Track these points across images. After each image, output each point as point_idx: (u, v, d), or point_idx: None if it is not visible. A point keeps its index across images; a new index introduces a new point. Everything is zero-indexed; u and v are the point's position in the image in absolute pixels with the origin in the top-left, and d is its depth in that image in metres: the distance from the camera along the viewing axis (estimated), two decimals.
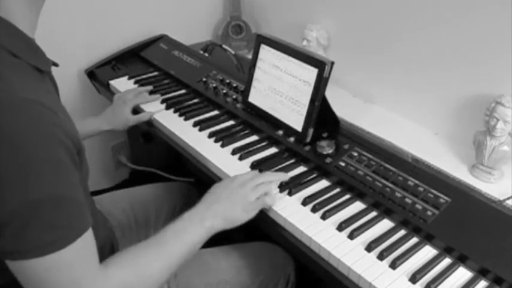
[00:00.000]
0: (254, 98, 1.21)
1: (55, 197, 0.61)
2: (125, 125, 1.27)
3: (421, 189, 0.93)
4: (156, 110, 1.28)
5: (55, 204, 0.61)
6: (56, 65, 0.79)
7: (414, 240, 0.87)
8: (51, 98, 0.67)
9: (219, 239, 0.89)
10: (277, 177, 0.98)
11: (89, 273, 0.67)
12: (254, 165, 1.05)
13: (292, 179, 1.01)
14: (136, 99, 1.31)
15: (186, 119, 1.24)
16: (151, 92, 1.37)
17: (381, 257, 0.82)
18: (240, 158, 1.07)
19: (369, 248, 0.84)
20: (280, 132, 1.14)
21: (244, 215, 0.88)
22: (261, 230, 0.97)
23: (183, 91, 1.40)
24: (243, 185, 0.90)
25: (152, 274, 0.75)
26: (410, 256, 0.83)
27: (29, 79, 0.66)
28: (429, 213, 0.88)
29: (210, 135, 1.17)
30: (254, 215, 0.89)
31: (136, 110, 1.30)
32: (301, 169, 1.06)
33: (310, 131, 1.08)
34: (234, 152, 1.09)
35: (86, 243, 0.66)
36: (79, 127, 1.16)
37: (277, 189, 0.98)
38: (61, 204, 0.62)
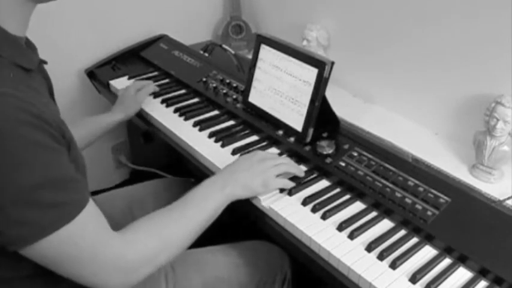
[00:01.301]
0: (254, 98, 1.21)
1: (48, 178, 0.63)
2: (137, 104, 1.29)
3: (421, 189, 0.93)
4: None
5: (50, 185, 0.63)
6: (44, 62, 0.80)
7: (414, 240, 0.87)
8: (31, 93, 0.68)
9: (216, 237, 0.89)
10: (295, 168, 0.99)
11: (103, 240, 0.70)
12: None
13: (292, 179, 1.00)
14: (136, 84, 1.34)
15: (186, 119, 1.24)
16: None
17: (381, 257, 0.82)
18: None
19: (369, 248, 0.84)
20: (280, 132, 1.14)
21: (263, 188, 0.91)
22: (258, 228, 0.97)
23: (183, 91, 1.40)
24: (264, 160, 0.93)
25: (173, 239, 0.77)
26: (411, 256, 0.83)
27: (6, 75, 0.66)
28: (429, 213, 0.88)
29: (210, 135, 1.17)
30: (273, 190, 0.93)
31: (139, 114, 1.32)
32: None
33: (310, 131, 1.08)
34: (234, 152, 1.09)
35: (91, 214, 0.69)
36: (94, 125, 1.21)
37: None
38: (55, 184, 0.64)
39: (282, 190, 0.97)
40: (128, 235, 0.73)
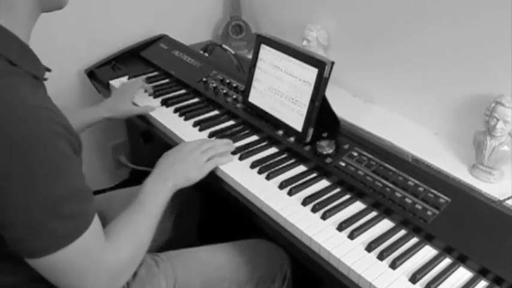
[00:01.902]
0: (254, 98, 1.21)
1: (73, 189, 0.67)
2: (128, 114, 1.27)
3: (421, 189, 0.93)
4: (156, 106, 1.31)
5: (72, 196, 0.66)
6: (48, 70, 0.81)
7: (414, 240, 0.87)
8: (49, 101, 0.71)
9: (216, 236, 0.90)
10: (222, 147, 1.06)
11: (102, 251, 0.73)
12: (254, 165, 1.05)
13: (292, 178, 1.01)
14: (135, 85, 1.32)
15: (186, 119, 1.24)
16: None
17: (381, 257, 0.82)
18: (240, 158, 1.07)
19: (369, 248, 0.84)
20: (280, 132, 1.14)
21: (199, 174, 1.00)
22: (258, 227, 0.97)
23: (183, 91, 1.40)
24: (192, 151, 1.02)
25: (146, 239, 0.85)
26: (411, 256, 0.83)
27: (29, 86, 0.68)
28: (429, 213, 0.88)
29: (210, 135, 1.17)
30: (208, 172, 1.01)
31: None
32: (301, 169, 1.06)
33: (310, 131, 1.08)
34: (234, 152, 1.09)
35: (96, 224, 0.72)
36: (79, 117, 1.19)
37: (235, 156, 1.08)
38: (76, 195, 0.67)
39: (282, 188, 0.97)
40: (114, 243, 0.77)
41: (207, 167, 1.01)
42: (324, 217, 0.91)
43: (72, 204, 0.66)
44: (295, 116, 1.11)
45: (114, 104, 1.27)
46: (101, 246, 0.73)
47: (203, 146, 1.04)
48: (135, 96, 1.31)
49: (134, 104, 1.30)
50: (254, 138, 1.17)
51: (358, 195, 0.97)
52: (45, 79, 0.78)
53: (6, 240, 0.65)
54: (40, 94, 0.71)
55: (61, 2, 0.80)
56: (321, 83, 1.05)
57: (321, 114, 1.08)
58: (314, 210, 0.93)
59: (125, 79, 1.48)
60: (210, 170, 1.02)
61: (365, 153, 1.03)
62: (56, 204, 0.64)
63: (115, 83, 1.46)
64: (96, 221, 0.72)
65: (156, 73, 1.53)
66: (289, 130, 1.12)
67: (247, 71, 1.24)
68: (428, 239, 0.86)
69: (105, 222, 0.79)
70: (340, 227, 0.88)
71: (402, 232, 0.89)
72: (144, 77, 1.45)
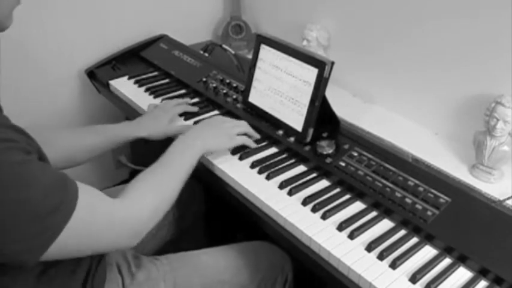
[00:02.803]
0: (254, 98, 1.21)
1: (45, 188, 0.65)
2: (164, 134, 1.15)
3: (421, 189, 0.93)
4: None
5: (47, 194, 0.65)
6: None
7: (414, 240, 0.87)
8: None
9: (217, 238, 0.90)
10: (252, 131, 1.11)
11: (110, 207, 0.75)
12: (254, 165, 1.05)
13: (292, 178, 1.01)
14: (177, 108, 1.22)
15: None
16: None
17: (381, 257, 0.82)
18: (240, 158, 1.07)
19: (369, 248, 0.84)
20: (280, 132, 1.14)
21: (229, 141, 1.04)
22: (259, 229, 0.97)
23: (183, 91, 1.40)
24: (224, 121, 1.07)
25: (167, 191, 0.86)
26: (411, 256, 0.83)
27: None
28: (429, 213, 0.88)
29: None
30: (238, 144, 1.06)
31: None
32: (301, 169, 1.06)
33: (310, 131, 1.08)
34: (234, 152, 1.09)
35: (87, 192, 0.72)
36: (110, 133, 1.13)
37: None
38: (52, 189, 0.66)
39: (282, 188, 0.97)
40: (128, 198, 0.80)
41: (238, 139, 1.05)
42: (324, 217, 0.91)
43: (51, 199, 0.65)
44: (295, 116, 1.11)
45: (152, 123, 1.15)
46: (105, 206, 0.75)
47: (236, 121, 1.09)
48: (174, 114, 1.21)
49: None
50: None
51: (358, 195, 0.97)
52: None
53: (6, 257, 0.65)
54: None
55: (3, 24, 0.74)
56: (321, 83, 1.05)
57: (321, 114, 1.07)
58: (314, 210, 0.93)
59: (124, 79, 1.48)
60: (240, 143, 1.06)
61: (365, 153, 1.03)
62: (35, 209, 0.63)
63: (115, 83, 1.46)
64: (84, 192, 0.70)
65: (156, 73, 1.53)
66: (289, 130, 1.12)
67: (247, 71, 1.24)
68: (428, 239, 0.86)
69: None
70: (340, 227, 0.88)
71: (402, 232, 0.89)
72: (190, 101, 1.31)
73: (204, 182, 1.00)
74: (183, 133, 1.00)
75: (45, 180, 0.66)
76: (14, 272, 0.71)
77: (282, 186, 0.99)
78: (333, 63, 1.04)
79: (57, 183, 0.68)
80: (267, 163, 1.05)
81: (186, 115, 1.25)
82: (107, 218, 0.74)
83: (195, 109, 1.26)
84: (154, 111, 1.20)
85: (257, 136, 1.12)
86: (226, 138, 1.03)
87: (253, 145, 1.08)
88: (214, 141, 1.00)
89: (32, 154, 0.67)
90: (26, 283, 0.73)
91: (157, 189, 0.85)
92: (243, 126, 1.10)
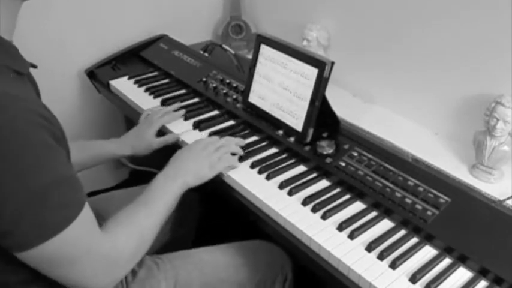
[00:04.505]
0: (254, 98, 1.21)
1: (58, 177, 0.65)
2: (148, 149, 1.17)
3: (421, 189, 0.93)
4: (182, 131, 1.19)
5: (58, 185, 0.65)
6: (34, 66, 0.80)
7: (414, 240, 0.87)
8: (31, 95, 0.70)
9: (216, 237, 0.90)
10: (235, 147, 1.07)
11: (96, 239, 0.72)
12: (254, 165, 1.05)
13: (292, 178, 1.01)
14: (162, 119, 1.21)
15: (186, 119, 1.24)
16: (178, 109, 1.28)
17: (381, 257, 0.82)
18: (240, 158, 1.07)
19: (369, 248, 0.84)
20: (280, 132, 1.14)
21: (211, 170, 0.99)
22: (258, 228, 0.97)
23: (183, 91, 1.40)
24: (205, 148, 1.02)
25: (148, 235, 0.83)
26: (411, 256, 0.83)
27: (7, 79, 0.67)
28: (429, 213, 0.88)
29: (210, 135, 1.16)
30: (220, 171, 1.01)
31: (161, 131, 1.21)
32: (301, 169, 1.06)
33: (310, 131, 1.08)
34: (234, 152, 1.09)
35: (87, 213, 0.70)
36: (92, 149, 1.13)
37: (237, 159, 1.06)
38: (63, 183, 0.66)
39: (282, 188, 0.97)
40: (112, 233, 0.77)
41: (219, 165, 1.01)
42: (324, 217, 0.91)
43: (60, 192, 0.65)
44: (295, 116, 1.11)
45: (137, 140, 1.17)
46: (94, 235, 0.72)
47: (217, 143, 1.04)
48: (159, 126, 1.20)
49: (164, 131, 1.21)
50: (254, 138, 1.17)
51: (358, 195, 0.97)
52: (28, 74, 0.77)
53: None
54: (19, 87, 0.69)
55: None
56: (321, 83, 1.05)
57: (321, 114, 1.07)
58: (314, 210, 0.93)
59: (124, 79, 1.48)
60: (223, 168, 1.01)
61: (365, 153, 1.03)
62: (42, 193, 0.63)
63: (115, 83, 1.46)
64: (86, 210, 0.70)
65: (156, 73, 1.53)
66: (289, 130, 1.12)
67: (247, 71, 1.24)
68: (428, 239, 0.86)
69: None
70: (340, 227, 0.88)
71: (402, 232, 0.89)
72: (178, 106, 1.29)
73: (204, 182, 0.98)
74: (162, 170, 0.95)
75: (63, 171, 0.66)
76: (15, 263, 0.70)
77: (282, 186, 0.99)
78: (333, 63, 1.04)
79: (73, 181, 0.68)
80: (267, 163, 1.05)
81: (186, 115, 1.25)
82: (89, 249, 0.70)
83: (180, 115, 1.24)
84: (140, 126, 1.21)
85: (241, 152, 1.07)
86: (207, 169, 0.98)
87: (236, 164, 1.04)
88: (196, 176, 0.96)
89: (59, 143, 0.67)
90: (25, 276, 0.72)
91: (139, 234, 0.81)
92: (224, 148, 1.04)
